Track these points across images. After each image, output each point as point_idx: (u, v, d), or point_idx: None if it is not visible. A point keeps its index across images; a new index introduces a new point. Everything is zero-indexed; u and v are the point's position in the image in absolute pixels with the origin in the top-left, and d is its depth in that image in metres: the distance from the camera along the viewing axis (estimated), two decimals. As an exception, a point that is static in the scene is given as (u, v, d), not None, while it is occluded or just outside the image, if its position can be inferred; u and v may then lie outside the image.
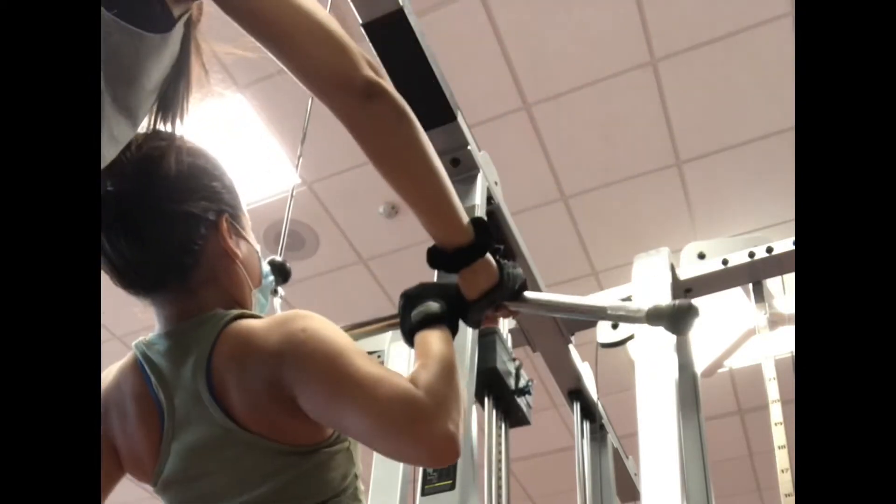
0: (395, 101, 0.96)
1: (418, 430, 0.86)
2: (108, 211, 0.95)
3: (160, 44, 0.91)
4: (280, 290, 1.30)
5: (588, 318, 1.22)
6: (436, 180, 1.02)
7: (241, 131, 3.23)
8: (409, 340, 1.04)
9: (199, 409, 0.94)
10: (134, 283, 1.01)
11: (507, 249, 1.71)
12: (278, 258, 1.28)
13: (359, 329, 1.41)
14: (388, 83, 0.96)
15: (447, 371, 0.94)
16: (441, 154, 1.57)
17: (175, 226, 0.99)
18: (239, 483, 0.94)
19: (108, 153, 0.88)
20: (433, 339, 1.01)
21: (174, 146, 1.01)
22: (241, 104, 3.15)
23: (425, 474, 1.24)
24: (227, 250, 1.03)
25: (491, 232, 1.09)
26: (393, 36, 1.43)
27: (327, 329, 0.94)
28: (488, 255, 1.08)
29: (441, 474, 1.22)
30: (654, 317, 1.09)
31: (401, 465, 1.71)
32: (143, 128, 0.99)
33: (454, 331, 1.05)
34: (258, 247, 1.10)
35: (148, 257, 0.98)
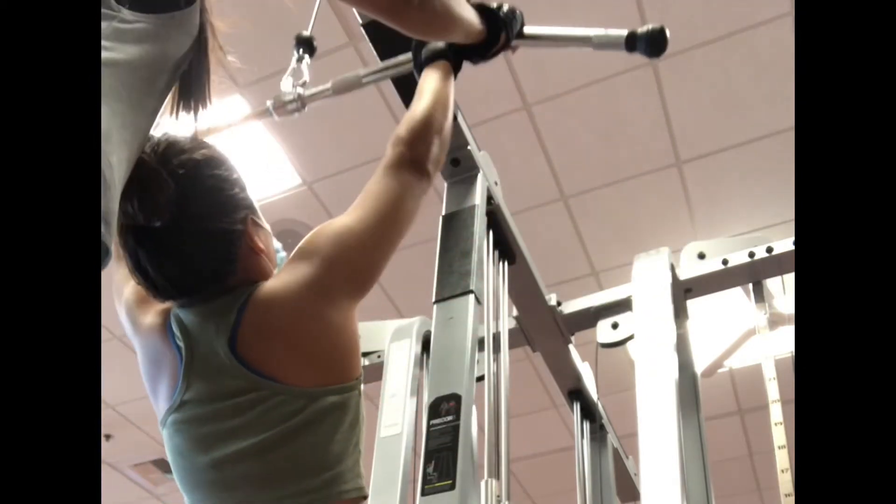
0: None
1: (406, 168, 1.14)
2: (150, 239, 1.00)
3: (171, 23, 0.92)
4: (307, 59, 1.48)
5: (574, 45, 1.47)
6: (462, 23, 1.25)
7: (242, 131, 3.23)
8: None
9: (217, 361, 1.00)
10: (172, 296, 1.06)
11: (508, 249, 1.71)
12: (305, 33, 1.48)
13: (375, 74, 1.52)
14: None
15: (435, 103, 1.23)
16: (441, 154, 1.58)
17: (214, 243, 1.03)
18: (253, 425, 0.98)
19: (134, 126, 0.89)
20: (431, 75, 1.29)
21: (198, 163, 1.04)
22: (241, 104, 3.15)
23: (425, 474, 1.24)
24: (255, 248, 1.08)
25: (497, 15, 1.33)
26: (393, 36, 1.43)
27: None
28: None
29: (441, 474, 1.22)
30: (632, 39, 1.36)
31: (401, 466, 1.72)
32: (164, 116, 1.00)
33: (457, 67, 1.34)
34: (268, 226, 1.14)
35: (190, 274, 1.03)
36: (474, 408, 1.33)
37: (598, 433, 2.19)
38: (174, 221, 1.00)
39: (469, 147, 1.58)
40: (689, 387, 1.88)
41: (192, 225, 1.02)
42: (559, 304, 1.97)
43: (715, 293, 1.96)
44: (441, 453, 1.24)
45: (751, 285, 1.92)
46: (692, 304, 1.97)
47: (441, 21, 1.20)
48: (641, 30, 1.35)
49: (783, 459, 1.66)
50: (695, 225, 3.65)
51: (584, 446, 2.10)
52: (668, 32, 1.34)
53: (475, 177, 1.57)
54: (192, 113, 1.06)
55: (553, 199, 3.55)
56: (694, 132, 3.27)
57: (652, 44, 1.35)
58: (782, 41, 2.90)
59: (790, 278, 1.97)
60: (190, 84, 1.03)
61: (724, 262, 1.91)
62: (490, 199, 1.60)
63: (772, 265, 1.88)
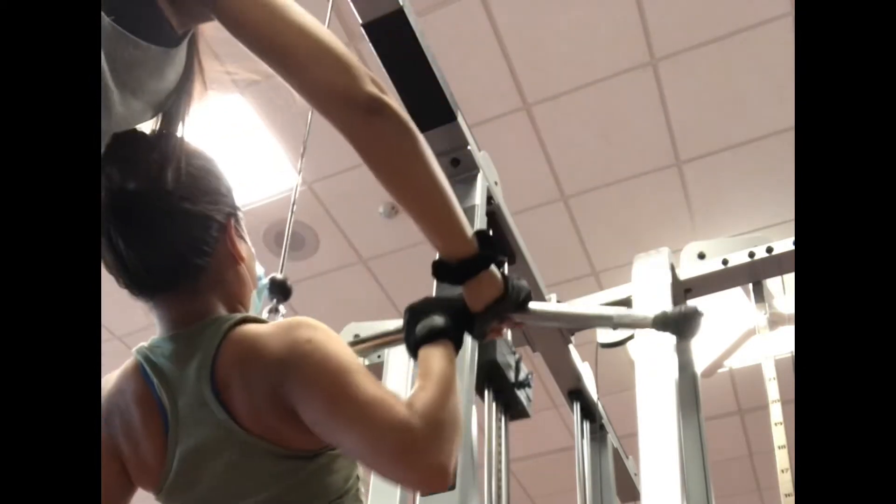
0: (398, 117, 0.97)
1: (411, 459, 0.87)
2: (123, 208, 0.96)
3: (163, 57, 0.92)
4: (282, 308, 1.30)
5: (595, 326, 1.23)
6: (439, 194, 1.02)
7: (241, 132, 3.23)
8: (414, 354, 1.04)
9: (202, 411, 0.94)
10: (143, 284, 1.01)
11: (507, 249, 1.71)
12: (279, 276, 1.28)
13: (363, 344, 1.41)
14: (390, 99, 0.97)
15: (445, 394, 0.94)
16: (441, 154, 1.58)
17: (190, 225, 1.00)
18: (242, 486, 0.94)
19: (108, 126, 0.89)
20: (435, 356, 1.01)
21: (184, 148, 1.03)
22: (240, 104, 3.15)
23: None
24: (234, 252, 1.04)
25: (495, 244, 1.09)
26: (393, 36, 1.43)
27: (332, 342, 0.94)
28: (493, 268, 1.08)
29: (441, 474, 1.22)
30: (661, 323, 1.11)
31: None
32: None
33: (458, 345, 1.06)
34: (251, 246, 1.11)
35: (162, 257, 0.99)
36: (474, 408, 1.33)
37: (598, 433, 2.19)
38: (150, 192, 0.97)
39: (469, 147, 1.58)
40: (689, 387, 1.88)
41: (167, 199, 0.98)
42: (559, 304, 1.97)
43: (715, 293, 1.96)
44: (441, 453, 1.24)
45: (751, 285, 1.92)
46: (692, 304, 1.97)
47: (412, 166, 1.00)
48: (671, 311, 1.13)
49: (783, 459, 1.66)
50: (695, 225, 3.65)
51: (584, 446, 2.10)
52: (701, 316, 1.12)
53: (475, 177, 1.57)
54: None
55: (553, 199, 3.55)
56: (694, 132, 3.27)
57: (681, 326, 1.14)
58: (782, 41, 2.90)
59: (790, 278, 1.97)
60: (170, 116, 1.02)
61: (724, 262, 1.91)
62: (490, 199, 1.60)
63: (772, 265, 1.88)
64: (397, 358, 1.96)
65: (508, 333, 1.56)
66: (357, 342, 1.39)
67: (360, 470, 1.02)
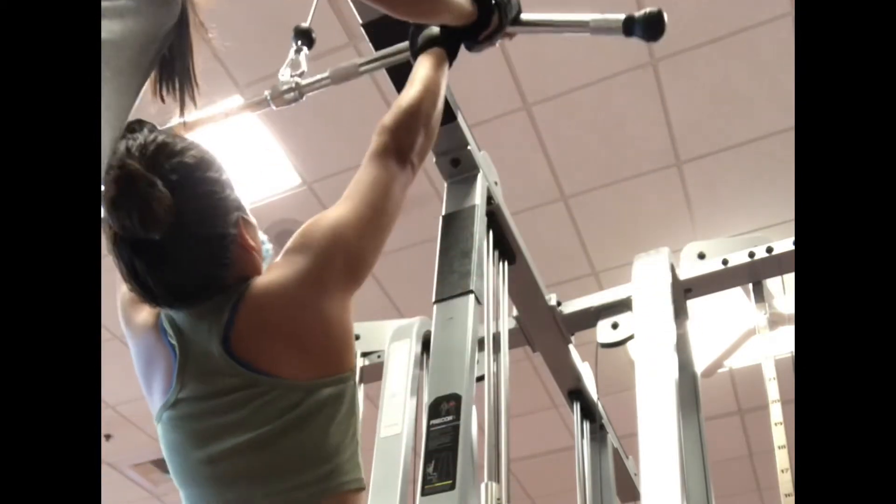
0: None
1: (386, 147, 1.15)
2: (146, 249, 0.98)
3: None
4: (305, 51, 1.50)
5: (572, 31, 1.42)
6: (454, 1, 1.25)
7: (241, 131, 3.23)
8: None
9: (211, 361, 1.00)
10: (168, 303, 1.04)
11: (508, 249, 1.71)
12: (304, 25, 1.50)
13: (372, 63, 1.51)
14: None
15: (421, 93, 1.22)
16: (441, 154, 1.58)
17: (210, 249, 1.02)
18: (249, 420, 0.98)
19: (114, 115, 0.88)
20: (425, 63, 1.28)
21: (188, 167, 1.01)
22: (240, 104, 3.14)
23: (425, 474, 1.24)
24: (247, 246, 1.07)
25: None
26: (393, 36, 1.43)
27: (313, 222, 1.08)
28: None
29: (441, 474, 1.22)
30: (629, 23, 1.32)
31: (401, 466, 1.72)
32: (144, 106, 0.99)
33: (452, 53, 1.32)
34: (255, 221, 1.12)
35: (186, 280, 1.02)
36: (474, 408, 1.33)
37: (598, 433, 2.19)
38: (170, 230, 0.98)
39: (469, 147, 1.58)
40: (689, 387, 1.88)
41: (188, 233, 1.00)
42: (559, 304, 1.97)
43: (715, 293, 1.96)
44: (441, 453, 1.24)
45: (751, 285, 1.92)
46: (692, 304, 1.97)
47: (425, 3, 1.21)
48: (638, 14, 1.32)
49: (783, 459, 1.66)
50: (695, 225, 3.65)
51: (584, 446, 2.10)
52: (665, 16, 1.31)
53: (475, 177, 1.57)
54: (176, 94, 1.04)
55: (553, 199, 3.55)
56: (694, 132, 3.27)
57: (649, 27, 1.32)
58: (782, 41, 2.90)
59: (790, 278, 1.96)
60: (172, 64, 1.01)
61: (724, 262, 1.91)
62: (490, 199, 1.60)
63: (772, 265, 1.88)
64: (397, 357, 1.96)
65: (508, 341, 1.57)
66: (367, 62, 1.51)
67: (360, 432, 1.08)
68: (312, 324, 1.03)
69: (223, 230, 1.03)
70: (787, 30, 2.88)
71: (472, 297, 1.40)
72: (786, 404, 1.72)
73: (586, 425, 2.14)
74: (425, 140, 1.20)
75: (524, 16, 1.38)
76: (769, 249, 1.87)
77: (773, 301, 1.97)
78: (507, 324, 1.63)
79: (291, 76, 1.49)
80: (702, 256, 1.94)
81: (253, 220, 1.11)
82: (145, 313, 1.10)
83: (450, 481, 1.20)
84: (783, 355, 1.91)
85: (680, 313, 1.91)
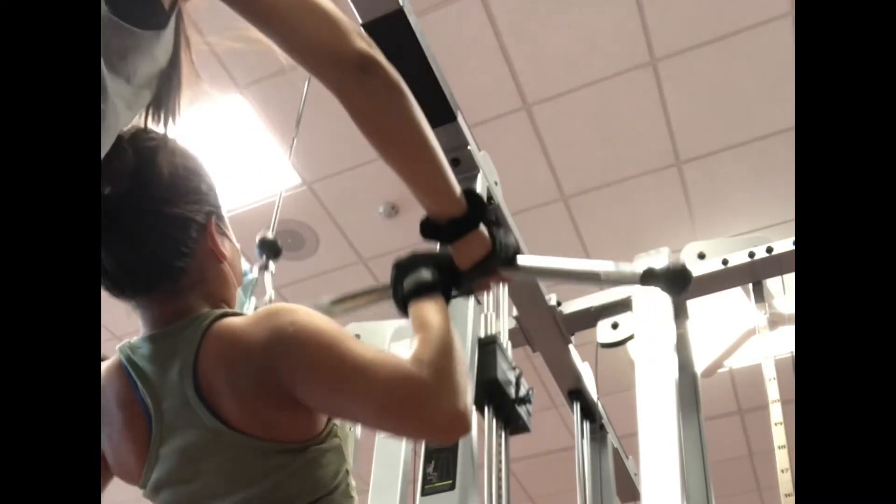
0: (388, 73, 0.96)
1: (425, 411, 0.87)
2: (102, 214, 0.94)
3: (153, 40, 0.91)
4: (272, 264, 1.31)
5: (581, 283, 1.21)
6: (429, 153, 1.02)
7: (241, 131, 3.23)
8: (403, 310, 1.05)
9: (187, 412, 0.93)
10: (124, 287, 1.00)
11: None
12: (269, 236, 1.31)
13: (346, 302, 1.39)
14: (380, 55, 0.96)
15: (446, 342, 0.94)
16: (441, 154, 1.58)
17: (168, 228, 0.98)
18: (231, 483, 0.93)
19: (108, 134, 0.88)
20: (429, 309, 1.01)
21: (164, 147, 1.00)
22: (240, 104, 3.15)
23: (425, 474, 1.24)
24: (216, 251, 1.02)
25: (483, 202, 1.10)
26: (393, 36, 1.43)
27: (315, 319, 0.93)
28: (481, 226, 1.09)
29: (441, 474, 1.22)
30: (650, 277, 1.10)
31: (401, 466, 1.72)
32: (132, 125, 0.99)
33: (447, 299, 1.06)
34: (238, 245, 1.09)
35: (140, 261, 0.97)
36: (474, 408, 1.33)
37: (598, 433, 2.19)
38: (127, 196, 0.95)
39: (469, 147, 1.58)
40: (689, 387, 1.88)
41: (144, 203, 0.96)
42: (559, 304, 1.97)
43: (715, 293, 1.96)
44: (441, 453, 1.24)
45: (751, 285, 1.93)
46: (692, 304, 1.97)
47: (401, 124, 0.99)
48: (659, 268, 1.11)
49: (783, 459, 1.66)
50: (695, 225, 3.65)
51: (584, 446, 2.10)
52: (690, 272, 1.12)
53: (475, 177, 1.57)
54: (159, 124, 1.02)
55: (553, 199, 3.55)
56: (694, 132, 3.27)
57: (671, 282, 1.12)
58: (782, 41, 2.90)
59: (790, 278, 1.97)
60: (160, 100, 0.99)
61: (724, 262, 1.91)
62: (490, 199, 1.60)
63: (772, 265, 1.88)
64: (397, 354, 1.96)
65: (509, 348, 1.56)
66: (340, 300, 1.36)
67: (349, 464, 1.01)
68: (284, 395, 0.91)
69: (185, 213, 0.99)
70: (787, 30, 2.88)
71: (472, 297, 1.40)
72: (786, 404, 1.72)
73: (586, 425, 2.14)
74: (467, 397, 0.93)
75: (523, 259, 1.15)
76: (769, 249, 1.87)
77: (773, 301, 1.98)
78: (507, 324, 1.63)
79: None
80: (702, 256, 1.94)
81: (232, 236, 1.07)
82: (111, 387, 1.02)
83: (450, 481, 1.20)
84: (783, 355, 1.91)
85: (680, 313, 1.91)
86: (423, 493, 1.21)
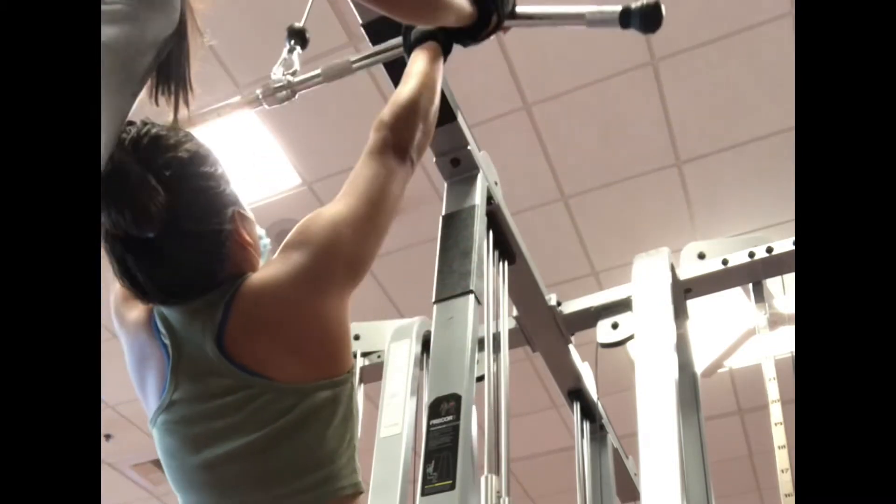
0: None
1: (386, 143, 1.13)
2: (140, 247, 0.97)
3: (157, 3, 0.91)
4: (298, 51, 1.49)
5: (568, 24, 1.40)
6: (456, 4, 1.24)
7: (241, 131, 3.23)
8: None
9: (205, 361, 0.98)
10: (163, 299, 1.03)
11: (508, 249, 1.71)
12: (298, 25, 1.49)
13: (363, 61, 1.50)
14: None
15: (418, 87, 1.21)
16: (441, 154, 1.58)
17: (205, 246, 1.01)
18: (244, 424, 0.96)
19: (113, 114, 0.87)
20: (420, 57, 1.27)
21: (184, 158, 1.01)
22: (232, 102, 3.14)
23: (425, 474, 1.24)
24: (243, 242, 1.05)
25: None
26: (393, 36, 1.43)
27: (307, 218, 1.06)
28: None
29: (441, 474, 1.22)
30: (626, 15, 1.30)
31: (401, 466, 1.72)
32: (144, 103, 0.99)
33: (447, 48, 1.31)
34: (252, 215, 1.11)
35: (180, 278, 1.00)
36: (474, 408, 1.33)
37: (598, 433, 2.19)
38: (164, 227, 0.97)
39: (469, 147, 1.58)
40: (689, 387, 1.88)
41: (182, 230, 0.98)
42: (559, 304, 1.97)
43: (715, 293, 1.96)
44: (441, 453, 1.24)
45: (751, 285, 1.92)
46: (692, 304, 1.97)
47: (430, 4, 1.21)
48: (635, 5, 1.31)
49: (783, 459, 1.66)
50: (695, 225, 3.65)
51: (584, 446, 2.10)
52: (662, 7, 1.29)
53: (475, 177, 1.57)
54: (171, 98, 1.02)
55: (553, 199, 3.55)
56: (694, 132, 3.27)
57: (646, 18, 1.30)
58: (782, 41, 2.90)
59: (790, 278, 1.97)
60: (169, 68, 1.00)
61: (724, 262, 1.91)
62: (490, 199, 1.60)
63: (772, 265, 1.88)
64: (397, 357, 1.96)
65: (507, 342, 1.57)
66: (358, 59, 1.49)
67: (357, 436, 1.06)
68: (309, 324, 1.00)
69: (218, 226, 1.02)
70: (787, 30, 2.88)
71: (472, 297, 1.40)
72: (786, 404, 1.72)
73: (586, 425, 2.14)
74: (424, 135, 1.19)
75: (519, 9, 1.38)
76: (769, 249, 1.87)
77: (773, 301, 1.97)
78: (507, 324, 1.63)
79: (284, 75, 1.48)
80: (702, 256, 1.94)
81: (250, 214, 1.09)
82: (138, 311, 1.08)
83: (450, 481, 1.20)
84: (783, 355, 1.91)
85: (680, 313, 1.91)
86: (423, 493, 1.21)
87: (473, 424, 1.33)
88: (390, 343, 2.00)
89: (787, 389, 1.54)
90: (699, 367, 1.99)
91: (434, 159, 1.60)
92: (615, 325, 1.90)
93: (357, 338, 2.14)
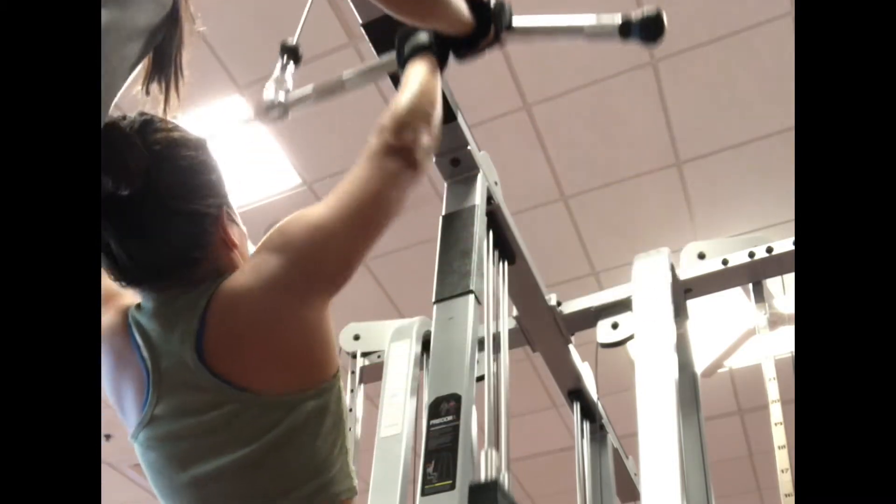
0: None
1: (389, 153, 1.07)
2: (117, 212, 0.95)
3: None
4: (291, 67, 1.44)
5: (566, 37, 1.37)
6: (454, 8, 1.22)
7: (241, 131, 3.23)
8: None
9: (186, 374, 0.95)
10: (137, 279, 1.01)
11: (508, 249, 1.71)
12: (291, 41, 1.44)
13: (357, 78, 1.46)
14: None
15: (418, 96, 1.15)
16: (441, 154, 1.58)
17: (185, 225, 0.99)
18: (231, 441, 0.94)
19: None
20: (416, 68, 1.23)
21: (175, 139, 1.01)
22: (240, 104, 3.15)
23: (425, 474, 1.24)
24: (228, 241, 1.04)
25: (485, 4, 1.27)
26: (393, 36, 1.43)
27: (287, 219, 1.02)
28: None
29: (441, 474, 1.22)
30: (627, 26, 1.27)
31: (401, 466, 1.72)
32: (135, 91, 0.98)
33: (442, 61, 1.27)
34: (244, 228, 1.10)
35: (157, 257, 0.98)
36: (474, 408, 1.33)
37: (598, 433, 2.19)
38: (143, 195, 0.95)
39: (469, 147, 1.58)
40: (689, 387, 1.88)
41: (161, 201, 0.97)
42: (559, 304, 1.97)
43: (715, 293, 1.96)
44: (441, 453, 1.24)
45: (751, 285, 1.92)
46: (692, 304, 1.97)
47: (427, 3, 1.19)
48: (636, 16, 1.27)
49: (783, 459, 1.66)
50: (695, 225, 3.65)
51: (584, 446, 2.10)
52: (665, 16, 1.25)
53: (475, 177, 1.57)
54: (162, 86, 1.02)
55: (553, 199, 3.55)
56: (694, 132, 3.27)
57: (647, 29, 1.26)
58: (782, 41, 2.90)
59: (790, 278, 1.97)
60: (161, 56, 0.99)
61: (724, 262, 1.91)
62: (490, 199, 1.60)
63: (772, 265, 1.88)
64: (397, 357, 1.96)
65: (507, 342, 1.56)
66: (351, 76, 1.45)
67: (349, 442, 1.03)
68: (289, 333, 0.96)
69: (200, 208, 1.00)
70: (787, 30, 2.88)
71: (472, 297, 1.39)
72: (786, 404, 1.72)
73: (586, 425, 2.14)
74: (428, 137, 1.13)
75: (517, 22, 1.34)
76: (769, 249, 1.87)
77: (773, 301, 1.97)
78: (507, 324, 1.63)
79: (277, 91, 1.41)
80: (702, 256, 1.94)
81: (240, 222, 1.08)
82: (112, 314, 1.05)
83: (450, 481, 1.20)
84: (783, 355, 1.91)
85: (680, 313, 1.91)
86: (423, 493, 1.21)
87: (473, 424, 1.33)
88: (390, 343, 2.00)
89: (787, 389, 1.54)
90: (699, 367, 1.99)
91: (434, 159, 1.60)
92: (615, 325, 1.90)
93: (357, 338, 2.14)
